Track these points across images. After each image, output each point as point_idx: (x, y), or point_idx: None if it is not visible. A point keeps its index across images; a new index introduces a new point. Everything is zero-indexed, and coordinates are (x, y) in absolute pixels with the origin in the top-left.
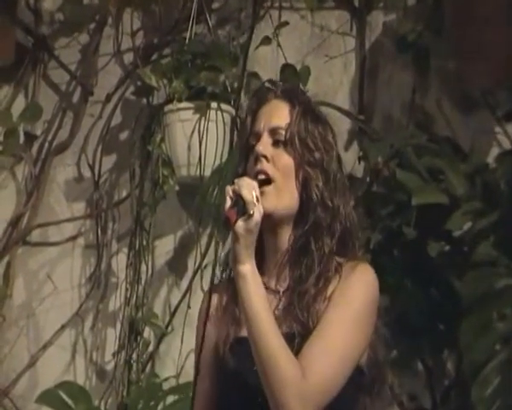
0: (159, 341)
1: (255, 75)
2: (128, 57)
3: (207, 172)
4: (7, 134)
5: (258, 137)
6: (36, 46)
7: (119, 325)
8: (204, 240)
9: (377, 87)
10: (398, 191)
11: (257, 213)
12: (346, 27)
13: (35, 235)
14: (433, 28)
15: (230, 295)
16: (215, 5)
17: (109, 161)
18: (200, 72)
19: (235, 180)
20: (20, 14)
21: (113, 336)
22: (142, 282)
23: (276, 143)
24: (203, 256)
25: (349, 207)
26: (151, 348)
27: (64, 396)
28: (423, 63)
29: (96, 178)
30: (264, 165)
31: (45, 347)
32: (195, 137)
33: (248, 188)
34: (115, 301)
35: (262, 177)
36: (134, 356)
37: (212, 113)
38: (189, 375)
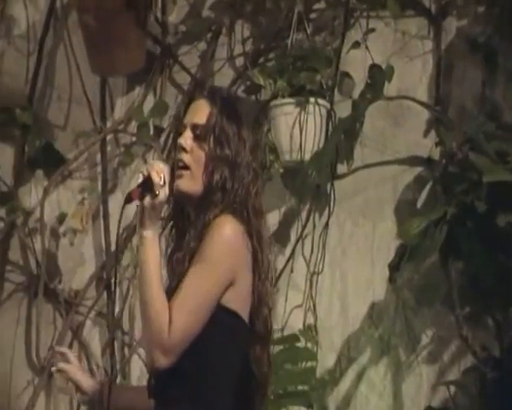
0: None
1: (347, 74)
2: (239, 61)
3: (307, 157)
4: (139, 127)
5: (184, 129)
6: (163, 53)
7: None
8: (304, 214)
9: (452, 83)
10: (470, 171)
11: (162, 194)
12: (425, 32)
13: None
14: (500, 31)
15: None
16: (312, 15)
17: None
18: (300, 72)
19: (150, 162)
20: (149, 27)
21: None
22: None
23: (196, 137)
24: (303, 228)
25: (253, 183)
26: None
27: None
28: (492, 61)
29: None
30: (183, 155)
31: None
32: (296, 128)
33: (158, 171)
34: None
35: (181, 164)
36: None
37: (311, 107)
38: (292, 328)
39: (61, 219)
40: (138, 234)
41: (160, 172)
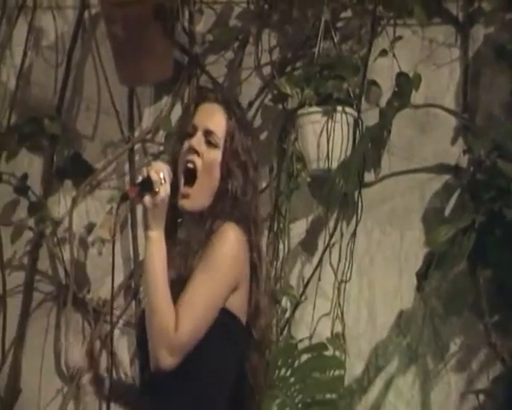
0: (294, 308)
1: (374, 83)
2: (266, 70)
3: (334, 166)
4: (167, 137)
5: (195, 130)
6: (190, 63)
7: None
8: (331, 223)
9: (479, 90)
10: (498, 178)
11: (162, 192)
12: (452, 40)
13: None
14: None
15: None
16: (339, 24)
17: None
18: (327, 81)
19: (153, 163)
20: (177, 36)
21: None
22: (280, 259)
23: (208, 143)
24: (331, 236)
25: (254, 199)
26: (288, 314)
27: None
28: None
29: None
30: (195, 158)
31: None
32: (324, 136)
33: (157, 170)
34: None
35: (190, 166)
36: (274, 321)
37: (338, 115)
38: (320, 336)
39: (90, 228)
40: (144, 236)
41: (158, 170)
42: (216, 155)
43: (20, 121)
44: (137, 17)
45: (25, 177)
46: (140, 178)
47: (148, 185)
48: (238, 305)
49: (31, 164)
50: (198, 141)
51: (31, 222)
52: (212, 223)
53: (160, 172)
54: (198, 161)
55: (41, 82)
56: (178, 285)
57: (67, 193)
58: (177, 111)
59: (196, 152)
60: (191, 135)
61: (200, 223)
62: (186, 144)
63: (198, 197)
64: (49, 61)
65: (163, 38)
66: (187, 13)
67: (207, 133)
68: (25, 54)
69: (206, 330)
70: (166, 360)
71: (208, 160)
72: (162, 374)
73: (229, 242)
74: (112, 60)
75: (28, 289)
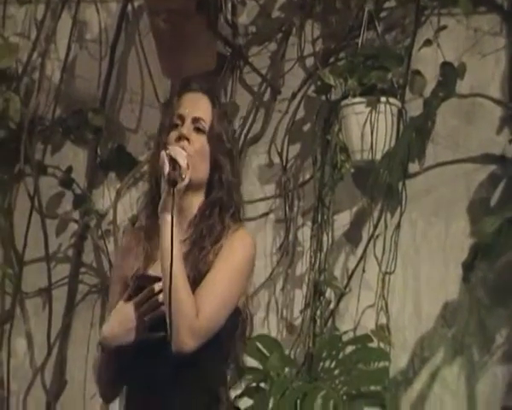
0: (338, 299)
1: (418, 73)
2: (309, 61)
3: (378, 157)
4: None
5: (182, 119)
6: (233, 55)
7: (304, 287)
8: (375, 214)
9: None
10: None
11: (187, 178)
12: (497, 29)
13: None
14: None
15: (144, 237)
16: (383, 14)
17: (295, 149)
18: (371, 71)
19: (170, 147)
20: (220, 28)
21: (300, 296)
22: (324, 250)
23: (196, 130)
24: (375, 227)
25: (238, 185)
26: (332, 305)
27: (260, 346)
28: None
29: (284, 164)
30: (186, 145)
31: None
32: (367, 127)
33: (182, 156)
34: (301, 267)
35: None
36: (318, 313)
37: (382, 106)
38: (364, 328)
39: (134, 220)
40: (161, 217)
41: (183, 157)
42: (203, 140)
43: (64, 114)
44: (180, 9)
45: (69, 170)
46: (167, 164)
47: (177, 171)
48: (241, 301)
49: (75, 157)
50: (187, 129)
51: (75, 215)
52: (220, 220)
53: (185, 159)
54: (188, 147)
55: (85, 75)
56: (194, 274)
57: (111, 185)
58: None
59: (187, 139)
60: (177, 125)
61: (204, 212)
62: (174, 134)
63: (194, 169)
64: (92, 54)
65: (206, 30)
66: (230, 4)
67: (195, 120)
68: (69, 47)
69: (224, 322)
70: (188, 342)
71: (198, 145)
72: (178, 361)
73: (249, 248)
74: (155, 52)
75: (73, 281)
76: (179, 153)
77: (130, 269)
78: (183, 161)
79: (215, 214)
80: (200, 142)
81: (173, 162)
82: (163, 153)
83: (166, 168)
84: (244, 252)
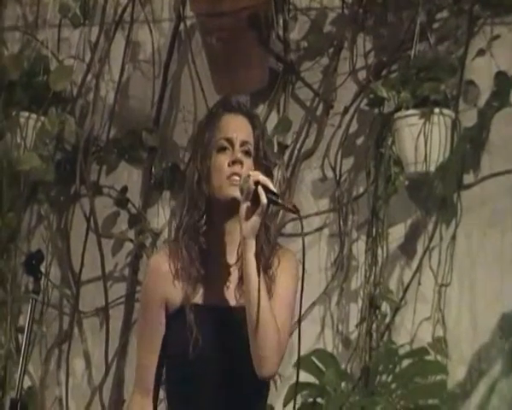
0: (394, 313)
1: (471, 83)
2: (362, 74)
3: (432, 168)
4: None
5: (231, 143)
6: (285, 70)
7: (360, 301)
8: (430, 226)
9: None
10: None
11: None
12: None
13: (288, 227)
14: None
15: (186, 259)
16: (435, 25)
17: (348, 163)
18: (424, 83)
19: (253, 173)
20: (271, 44)
21: (355, 311)
22: (379, 264)
23: (244, 153)
24: (430, 240)
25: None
26: (388, 319)
27: (316, 361)
28: None
29: (338, 178)
30: (240, 169)
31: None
32: (421, 139)
33: (270, 182)
34: (356, 281)
35: (237, 178)
36: (374, 327)
37: (435, 117)
38: (421, 341)
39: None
40: (248, 242)
41: (270, 182)
42: (251, 164)
43: (118, 135)
44: (232, 27)
45: (124, 189)
46: (263, 192)
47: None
48: None
49: (130, 177)
50: (240, 153)
51: (131, 234)
52: (267, 240)
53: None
54: (241, 172)
55: (139, 95)
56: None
57: (166, 204)
58: (273, 119)
59: (241, 164)
60: (224, 148)
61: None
62: (224, 157)
63: None
64: (146, 74)
65: (258, 47)
66: (281, 20)
67: (242, 144)
68: (122, 68)
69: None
70: (275, 365)
71: (247, 168)
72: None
73: (298, 270)
74: (208, 70)
75: (130, 300)
76: (267, 179)
77: (170, 294)
78: (273, 186)
79: (262, 234)
80: (248, 165)
81: (264, 189)
82: (250, 181)
83: (263, 197)
84: (297, 275)
